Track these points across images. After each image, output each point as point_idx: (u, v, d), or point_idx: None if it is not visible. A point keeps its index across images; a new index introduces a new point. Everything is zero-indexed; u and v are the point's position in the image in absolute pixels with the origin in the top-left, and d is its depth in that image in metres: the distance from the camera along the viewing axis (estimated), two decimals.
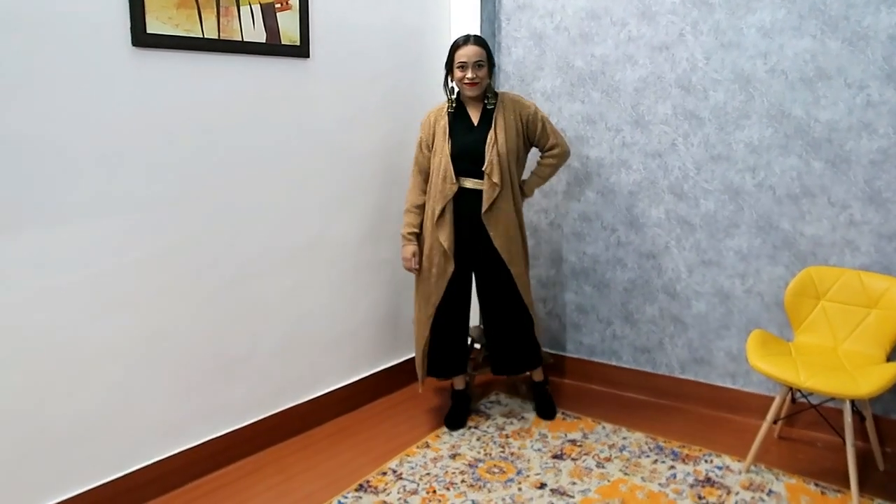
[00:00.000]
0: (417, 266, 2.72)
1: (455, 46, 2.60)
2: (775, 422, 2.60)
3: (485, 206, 2.60)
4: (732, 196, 2.81)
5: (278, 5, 2.46)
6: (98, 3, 2.01)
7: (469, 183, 2.63)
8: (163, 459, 2.36)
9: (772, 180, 2.72)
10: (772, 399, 2.62)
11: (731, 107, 2.75)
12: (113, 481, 2.23)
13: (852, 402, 2.32)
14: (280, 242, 2.65)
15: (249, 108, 2.46)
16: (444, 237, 2.64)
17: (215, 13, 2.27)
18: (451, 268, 2.67)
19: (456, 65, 2.59)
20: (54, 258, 2.01)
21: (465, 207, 2.64)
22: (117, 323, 2.19)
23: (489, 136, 2.59)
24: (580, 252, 3.24)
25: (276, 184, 2.60)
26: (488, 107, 2.65)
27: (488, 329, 2.85)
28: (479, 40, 2.59)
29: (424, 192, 2.72)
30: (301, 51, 2.57)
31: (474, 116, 2.67)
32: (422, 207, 2.72)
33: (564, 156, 2.77)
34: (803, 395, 2.67)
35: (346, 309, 2.98)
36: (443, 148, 2.62)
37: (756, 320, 2.84)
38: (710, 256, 2.91)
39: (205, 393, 2.48)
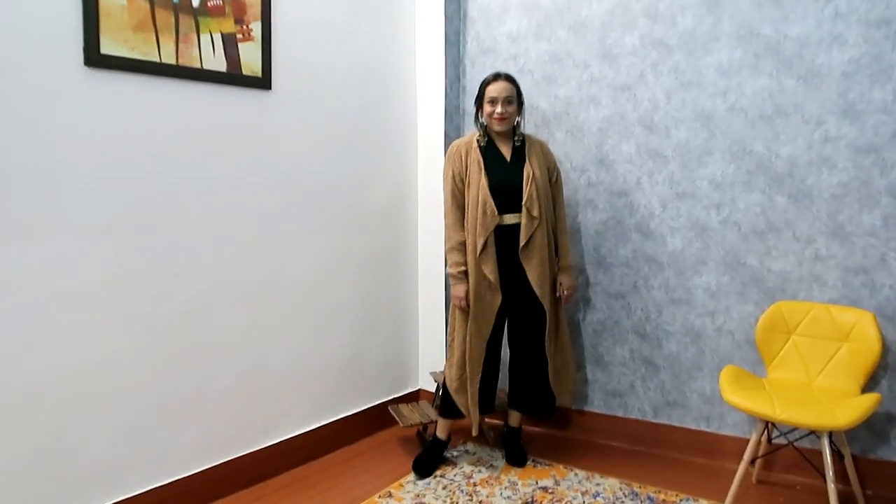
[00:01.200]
0: (469, 304, 2.65)
1: (485, 83, 2.64)
2: (752, 462, 2.50)
3: (523, 240, 2.59)
4: (699, 233, 2.80)
5: (240, 36, 2.44)
6: (52, 19, 1.95)
7: (508, 217, 2.62)
8: None
9: (736, 216, 2.72)
10: (747, 441, 2.53)
11: (693, 144, 2.78)
12: None
13: (830, 439, 2.24)
14: (236, 277, 2.54)
15: (207, 136, 2.39)
16: (490, 270, 2.61)
17: (174, 39, 2.24)
18: (498, 299, 2.64)
19: (486, 100, 2.62)
20: None
21: (500, 244, 2.63)
22: (52, 355, 2.02)
23: (526, 171, 2.62)
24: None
25: (234, 216, 2.51)
26: (517, 143, 2.68)
27: (516, 366, 2.83)
28: (509, 77, 2.64)
29: (462, 230, 2.65)
30: (262, 82, 2.54)
31: (505, 152, 2.68)
32: (464, 244, 2.65)
33: (567, 227, 2.83)
34: (780, 433, 2.58)
35: (305, 351, 2.84)
36: (479, 181, 2.60)
37: (728, 359, 2.78)
38: (680, 294, 2.87)
39: (150, 435, 2.29)
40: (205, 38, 2.33)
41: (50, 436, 2.03)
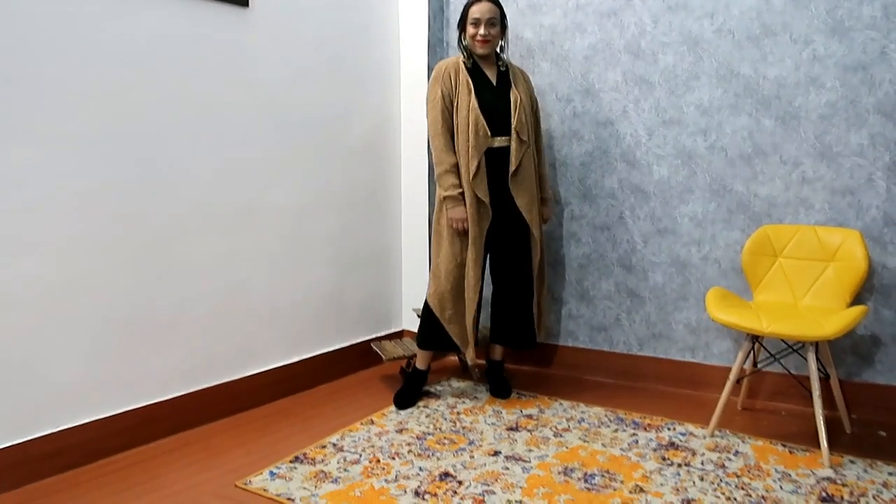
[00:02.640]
0: (467, 228, 2.55)
1: (469, 3, 2.55)
2: (738, 382, 2.48)
3: (513, 165, 2.53)
4: (685, 160, 2.76)
5: None
6: None
7: (496, 141, 2.54)
8: (68, 429, 2.09)
9: (723, 141, 2.68)
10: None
11: (680, 69, 2.73)
12: (5, 450, 1.94)
13: (817, 356, 2.22)
14: (213, 201, 2.46)
15: (180, 51, 2.31)
16: (483, 192, 2.53)
17: None
18: (488, 219, 2.57)
19: (469, 21, 2.54)
20: None
21: (489, 167, 2.55)
22: (24, 268, 1.95)
23: (513, 95, 2.57)
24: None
25: (210, 137, 2.43)
26: (502, 69, 2.62)
27: (499, 298, 2.75)
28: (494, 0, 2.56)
29: (453, 152, 2.55)
30: None
31: (491, 76, 2.60)
32: (456, 167, 2.54)
33: (545, 159, 2.85)
34: (767, 353, 2.56)
35: (284, 282, 2.77)
36: (469, 102, 2.51)
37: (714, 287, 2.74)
38: (666, 224, 2.83)
39: (122, 357, 2.22)
40: None
41: (18, 351, 1.96)
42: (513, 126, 2.53)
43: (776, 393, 2.66)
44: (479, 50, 2.56)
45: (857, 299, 2.44)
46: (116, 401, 2.22)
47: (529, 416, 2.56)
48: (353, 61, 2.99)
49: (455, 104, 2.54)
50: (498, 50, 2.64)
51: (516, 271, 2.69)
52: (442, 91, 2.55)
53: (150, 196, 2.26)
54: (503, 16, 2.59)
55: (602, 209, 2.96)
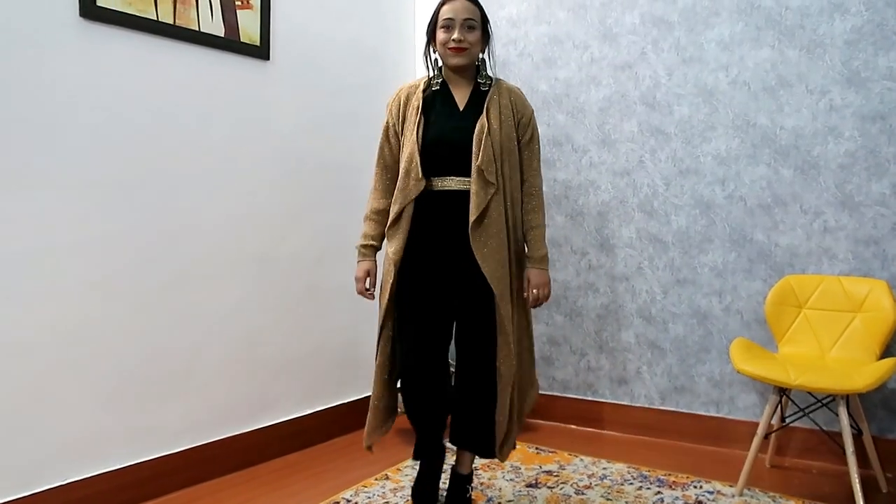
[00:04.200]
0: (370, 288, 2.08)
1: (440, 3, 2.01)
2: (766, 437, 2.39)
3: (474, 213, 1.91)
4: (703, 210, 2.74)
5: (238, 2, 2.42)
6: None
7: (452, 182, 1.97)
8: (75, 482, 2.03)
9: (742, 191, 2.67)
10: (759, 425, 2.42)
11: (696, 120, 2.74)
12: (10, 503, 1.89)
13: (848, 410, 2.13)
14: (229, 249, 2.46)
15: (203, 101, 2.35)
16: (397, 248, 2.00)
17: None
18: (391, 278, 2.01)
19: (440, 25, 1.98)
20: None
21: (444, 217, 1.98)
22: (33, 315, 1.93)
23: (480, 123, 1.95)
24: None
25: (228, 185, 2.45)
26: (482, 88, 2.04)
27: (457, 387, 2.08)
28: None
29: (388, 196, 2.07)
30: (261, 52, 2.51)
31: (460, 98, 2.03)
32: (384, 214, 2.07)
33: (542, 205, 2.09)
34: (796, 407, 2.47)
35: (299, 332, 2.74)
36: (412, 136, 1.98)
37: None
38: (685, 274, 2.79)
39: (133, 408, 2.18)
40: (203, 0, 2.31)
41: (26, 399, 1.93)
42: (475, 163, 1.92)
43: (806, 449, 2.56)
44: (452, 61, 1.98)
45: (886, 351, 2.36)
46: (126, 453, 2.17)
47: (549, 473, 2.47)
48: (370, 112, 3.03)
49: (401, 138, 2.05)
50: (479, 63, 2.06)
51: (473, 358, 2.03)
52: (387, 123, 2.08)
53: (165, 244, 2.26)
54: (485, 20, 2.02)
55: (620, 259, 2.93)
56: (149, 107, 2.19)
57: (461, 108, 2.02)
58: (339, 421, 2.89)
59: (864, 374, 2.05)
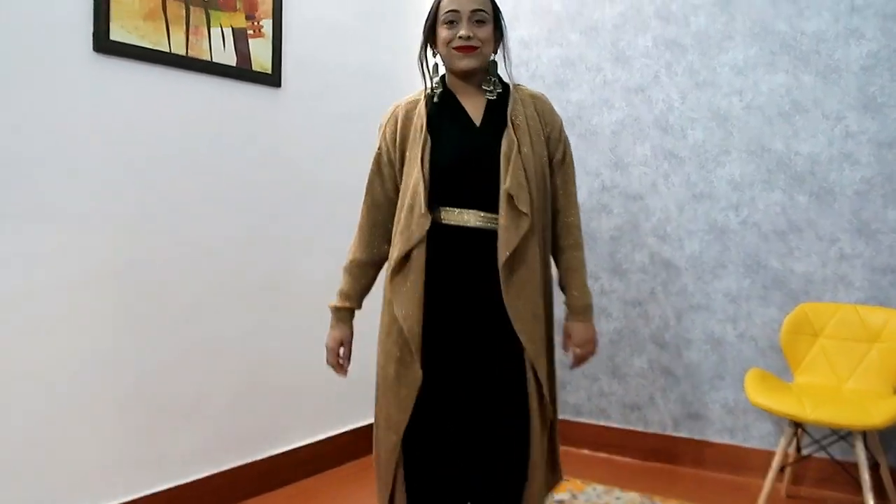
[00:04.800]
0: (344, 363, 1.75)
1: None
2: (781, 470, 2.36)
3: (504, 253, 1.51)
4: (717, 235, 2.72)
5: (250, 31, 2.43)
6: (62, 4, 1.94)
7: (470, 217, 1.56)
8: None
9: (756, 217, 2.64)
10: (774, 454, 2.38)
11: (710, 144, 2.72)
12: None
13: (865, 444, 2.11)
14: (240, 276, 2.47)
15: (215, 130, 2.36)
16: (406, 308, 1.55)
17: (184, 30, 2.22)
18: (415, 372, 1.56)
19: (441, 20, 1.59)
20: None
21: (460, 261, 1.57)
22: (46, 345, 1.95)
23: (508, 140, 1.56)
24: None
25: (239, 212, 2.45)
26: (493, 96, 1.63)
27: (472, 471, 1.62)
28: None
29: (375, 243, 1.69)
30: (272, 79, 2.52)
31: (474, 110, 1.62)
32: (367, 267, 1.72)
33: (582, 241, 1.72)
34: (812, 439, 2.44)
35: (311, 357, 2.73)
36: (419, 161, 1.57)
37: (751, 367, 2.64)
38: (699, 300, 2.76)
39: (143, 439, 2.19)
40: (215, 31, 2.32)
41: (38, 434, 1.94)
42: (504, 188, 1.52)
43: (822, 479, 2.52)
44: (459, 64, 1.58)
45: None
46: (138, 483, 2.18)
47: (561, 502, 2.46)
48: None
49: (401, 165, 1.65)
50: (490, 64, 1.65)
51: (496, 438, 1.58)
52: (381, 147, 1.68)
53: (177, 272, 2.27)
54: (497, 12, 1.63)
55: (633, 284, 2.90)
56: (161, 137, 2.20)
57: (477, 123, 1.61)
58: (354, 444, 2.89)
59: (881, 408, 2.02)
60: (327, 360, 1.76)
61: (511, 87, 1.66)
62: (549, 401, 1.61)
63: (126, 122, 2.11)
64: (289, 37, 2.58)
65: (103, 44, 2.03)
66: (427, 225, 1.55)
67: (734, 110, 2.67)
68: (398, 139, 1.64)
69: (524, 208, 1.52)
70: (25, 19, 1.87)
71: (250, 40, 2.43)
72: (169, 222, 2.24)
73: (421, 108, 1.64)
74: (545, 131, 1.65)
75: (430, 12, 1.65)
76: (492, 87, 1.63)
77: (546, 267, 1.66)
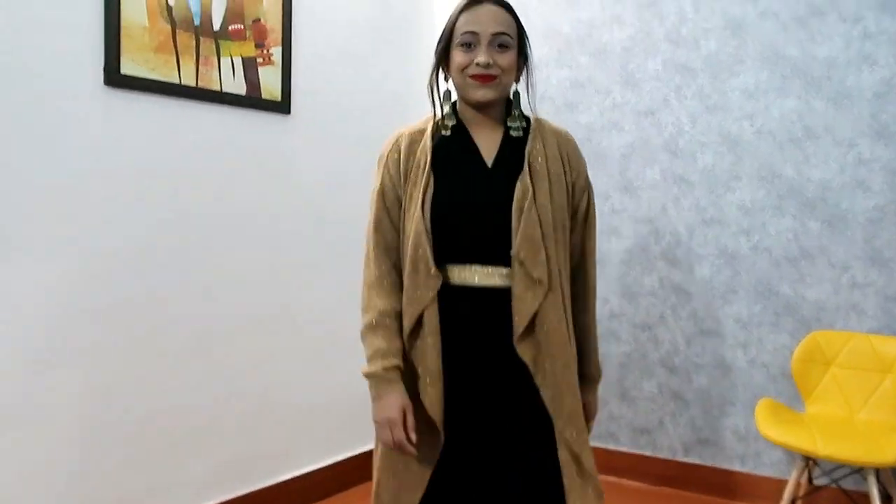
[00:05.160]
0: (412, 436, 1.35)
1: (459, 9, 1.39)
2: (793, 501, 2.34)
3: (521, 324, 1.33)
4: (728, 260, 2.70)
5: (260, 60, 2.44)
6: (73, 39, 1.96)
7: (481, 275, 1.37)
8: None
9: (767, 242, 2.62)
10: (786, 483, 2.37)
11: (719, 169, 2.70)
12: None
13: (877, 477, 2.08)
14: (251, 302, 2.48)
15: (225, 159, 2.37)
16: (425, 368, 1.37)
17: (194, 61, 2.24)
18: (434, 445, 1.37)
19: (457, 42, 1.38)
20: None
21: (476, 325, 1.38)
22: (60, 377, 1.97)
23: (521, 187, 1.36)
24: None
25: (250, 239, 2.47)
26: (513, 132, 1.43)
27: None
28: (501, 1, 1.39)
29: (398, 287, 1.44)
30: (282, 106, 2.53)
31: (487, 148, 1.43)
32: (400, 316, 1.42)
33: (595, 302, 1.58)
34: (822, 472, 2.42)
35: (319, 383, 2.75)
36: (419, 205, 1.38)
37: (762, 393, 2.63)
38: (709, 325, 2.75)
39: (157, 465, 2.20)
40: (225, 61, 2.33)
41: (54, 461, 1.96)
42: (513, 250, 1.33)
43: None
44: (475, 94, 1.38)
45: None
46: None
47: None
48: None
49: (405, 204, 1.43)
50: (512, 96, 1.45)
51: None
52: (382, 182, 1.46)
53: (188, 302, 2.28)
54: (523, 34, 1.42)
55: (642, 308, 2.89)
56: (172, 167, 2.22)
57: (489, 163, 1.41)
58: (364, 467, 2.89)
59: (894, 444, 2.00)
60: (390, 437, 1.34)
61: (532, 120, 1.45)
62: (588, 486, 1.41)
63: (137, 154, 2.12)
64: (298, 64, 2.59)
65: (114, 77, 2.04)
66: (437, 286, 1.36)
67: (745, 135, 2.65)
68: (402, 173, 1.44)
69: (538, 274, 1.32)
70: (38, 54, 1.89)
71: (260, 69, 2.45)
72: (181, 252, 2.25)
73: (426, 141, 1.43)
74: (569, 177, 1.44)
75: (444, 31, 1.42)
76: (517, 124, 1.42)
77: (571, 332, 1.43)
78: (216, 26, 2.30)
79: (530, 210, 1.34)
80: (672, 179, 2.80)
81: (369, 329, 1.43)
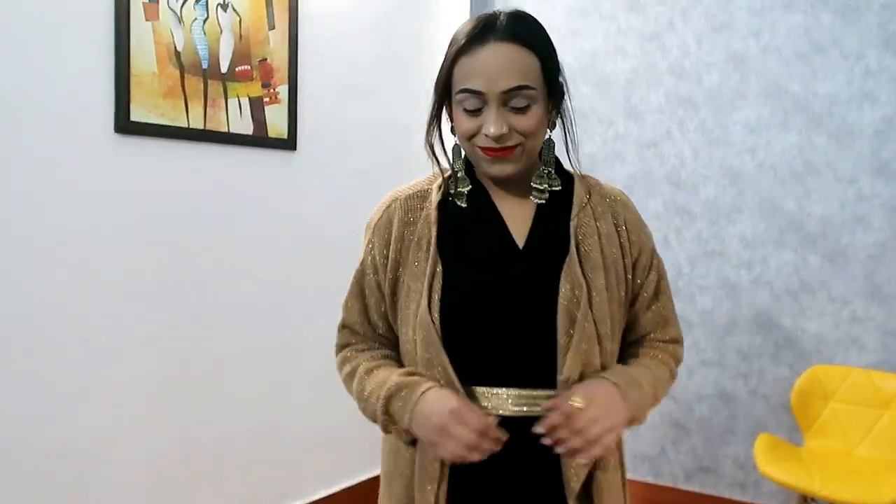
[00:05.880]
0: (485, 421, 0.95)
1: (459, 46, 1.01)
2: None
3: (575, 484, 1.02)
4: (729, 292, 2.73)
5: (266, 99, 2.47)
6: (83, 88, 2.00)
7: (505, 400, 1.02)
8: None
9: (768, 276, 2.65)
10: None
11: (721, 202, 2.73)
12: None
13: None
14: (258, 339, 2.52)
15: (233, 198, 2.41)
16: None
17: (202, 104, 2.27)
18: None
19: (457, 98, 1.03)
20: (14, 340, 1.88)
21: (500, 469, 1.01)
22: (71, 418, 2.02)
23: (569, 278, 1.02)
24: None
25: (256, 274, 2.51)
26: (535, 198, 1.08)
27: None
28: (514, 32, 1.00)
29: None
30: (288, 143, 2.56)
31: (516, 217, 1.08)
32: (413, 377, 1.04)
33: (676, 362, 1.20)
34: None
35: (326, 411, 2.79)
36: (422, 295, 1.04)
37: (763, 425, 2.67)
38: (710, 356, 2.78)
39: (167, 500, 2.26)
40: (232, 102, 2.36)
41: (67, 491, 2.01)
42: (562, 374, 1.00)
43: None
44: (491, 171, 1.05)
45: None
46: None
47: None
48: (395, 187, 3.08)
49: (392, 298, 1.11)
50: (543, 148, 1.09)
51: None
52: (364, 263, 1.16)
53: (194, 341, 2.32)
54: (552, 71, 1.03)
55: None
56: (181, 208, 2.26)
57: (521, 243, 1.05)
58: (370, 493, 2.94)
59: (892, 485, 2.04)
60: (463, 441, 0.92)
61: (576, 179, 1.09)
62: None
63: (147, 198, 2.16)
64: (303, 100, 2.62)
65: (124, 125, 2.08)
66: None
67: (746, 168, 2.67)
68: (390, 257, 1.08)
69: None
70: (49, 104, 1.93)
71: (266, 107, 2.48)
72: (191, 291, 2.29)
73: (430, 210, 1.06)
74: (628, 256, 1.07)
75: (438, 80, 1.05)
76: (544, 186, 1.04)
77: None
78: (223, 68, 2.33)
79: (585, 318, 0.97)
80: (674, 211, 2.83)
81: (360, 374, 1.09)
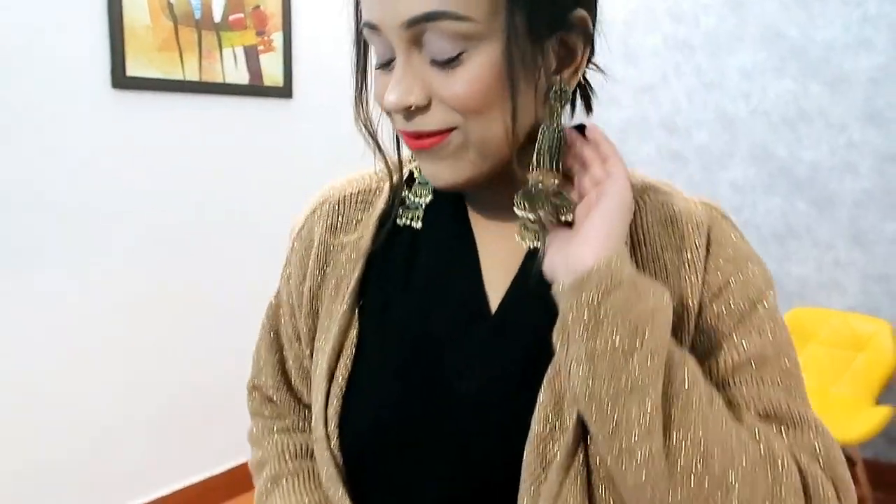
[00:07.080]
0: None
1: None
2: None
3: None
4: None
5: (261, 47, 2.47)
6: (79, 45, 2.01)
7: None
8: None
9: (756, 220, 2.71)
10: None
11: (714, 147, 2.76)
12: None
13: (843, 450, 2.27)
14: (257, 291, 2.60)
15: (230, 147, 2.45)
16: None
17: (197, 55, 2.28)
18: None
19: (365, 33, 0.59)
20: (28, 302, 1.98)
21: None
22: (93, 369, 2.15)
23: (559, 386, 0.57)
24: None
25: (259, 224, 2.58)
26: (521, 238, 0.63)
27: None
28: None
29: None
30: (283, 91, 2.57)
31: (491, 249, 0.65)
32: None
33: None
34: None
35: None
36: (318, 394, 0.67)
37: None
38: None
39: (176, 439, 2.42)
40: (227, 52, 2.36)
41: (94, 437, 2.17)
42: None
43: None
44: (424, 171, 0.64)
45: (887, 388, 2.47)
46: (176, 476, 2.43)
47: None
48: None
49: (309, 339, 0.73)
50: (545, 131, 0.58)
51: None
52: (279, 291, 0.83)
53: (206, 286, 2.42)
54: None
55: None
56: (180, 161, 2.30)
57: (494, 302, 0.63)
58: None
59: (859, 423, 2.18)
60: None
61: (631, 180, 0.61)
62: None
63: (146, 152, 2.21)
64: (299, 47, 2.61)
65: (121, 80, 2.10)
66: None
67: (740, 114, 2.69)
68: (305, 293, 0.74)
69: None
70: (46, 62, 1.95)
71: (261, 56, 2.48)
72: (196, 243, 2.37)
73: (365, 230, 0.71)
74: (691, 312, 0.61)
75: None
76: (530, 216, 0.57)
77: None
78: (217, 18, 2.32)
79: (571, 458, 0.57)
80: (668, 156, 2.86)
81: (265, 477, 0.76)
